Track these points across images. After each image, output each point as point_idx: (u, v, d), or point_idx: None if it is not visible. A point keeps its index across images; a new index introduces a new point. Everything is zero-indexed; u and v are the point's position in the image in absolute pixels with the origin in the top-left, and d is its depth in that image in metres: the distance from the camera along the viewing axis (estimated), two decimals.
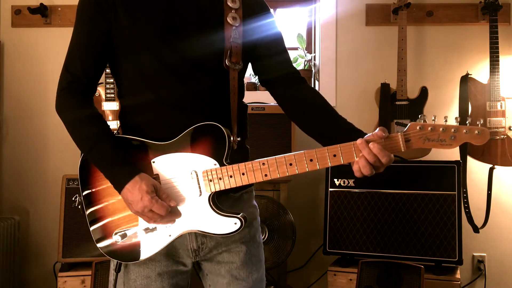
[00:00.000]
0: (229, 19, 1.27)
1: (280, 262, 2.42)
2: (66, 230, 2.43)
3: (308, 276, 2.96)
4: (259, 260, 1.35)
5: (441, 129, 1.09)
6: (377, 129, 1.13)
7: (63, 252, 2.42)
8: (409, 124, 1.12)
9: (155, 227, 1.22)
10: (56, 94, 1.25)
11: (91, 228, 1.27)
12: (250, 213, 1.34)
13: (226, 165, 1.19)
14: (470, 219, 2.63)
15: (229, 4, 1.28)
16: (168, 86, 1.23)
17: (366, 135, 1.15)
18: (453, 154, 2.66)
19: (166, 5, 1.25)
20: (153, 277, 1.27)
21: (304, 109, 1.32)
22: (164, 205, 1.15)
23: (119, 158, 1.19)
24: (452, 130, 1.09)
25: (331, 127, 1.27)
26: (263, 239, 2.34)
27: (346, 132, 1.23)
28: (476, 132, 1.09)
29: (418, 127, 1.10)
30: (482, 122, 1.11)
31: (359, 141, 1.13)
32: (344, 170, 2.49)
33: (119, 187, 1.18)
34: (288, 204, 2.55)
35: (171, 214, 1.19)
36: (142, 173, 1.18)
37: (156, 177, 1.22)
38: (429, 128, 1.10)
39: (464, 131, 1.09)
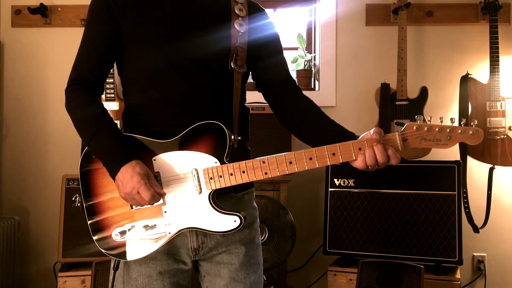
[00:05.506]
0: (236, 25, 1.31)
1: (280, 262, 2.42)
2: (66, 230, 2.43)
3: (308, 276, 2.96)
4: (257, 262, 1.36)
5: (437, 129, 1.13)
6: (372, 131, 1.16)
7: (63, 252, 2.42)
8: (406, 124, 1.15)
9: (154, 225, 1.23)
10: (64, 92, 1.29)
11: (90, 226, 1.28)
12: (250, 214, 1.35)
13: (226, 163, 1.21)
14: (470, 219, 2.63)
15: (237, 11, 1.32)
16: (174, 85, 1.26)
17: (364, 134, 1.18)
18: (453, 154, 2.66)
19: (174, 5, 1.27)
20: (154, 276, 1.28)
21: (301, 118, 1.35)
22: (151, 190, 1.15)
23: (120, 143, 1.21)
24: (448, 130, 1.13)
25: (328, 135, 1.27)
26: (263, 239, 2.34)
27: (344, 137, 1.24)
28: (471, 132, 1.12)
29: (415, 127, 1.14)
30: (476, 122, 1.14)
31: (373, 137, 1.14)
32: (344, 170, 2.49)
33: (115, 167, 1.18)
34: (288, 204, 2.55)
35: (155, 200, 1.18)
36: (139, 160, 1.19)
37: (157, 174, 1.23)
38: (426, 128, 1.13)
39: (459, 131, 1.12)
